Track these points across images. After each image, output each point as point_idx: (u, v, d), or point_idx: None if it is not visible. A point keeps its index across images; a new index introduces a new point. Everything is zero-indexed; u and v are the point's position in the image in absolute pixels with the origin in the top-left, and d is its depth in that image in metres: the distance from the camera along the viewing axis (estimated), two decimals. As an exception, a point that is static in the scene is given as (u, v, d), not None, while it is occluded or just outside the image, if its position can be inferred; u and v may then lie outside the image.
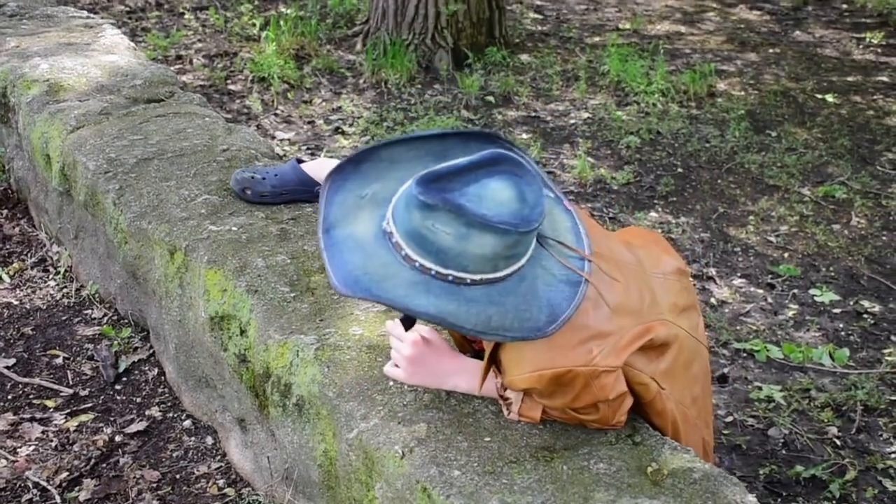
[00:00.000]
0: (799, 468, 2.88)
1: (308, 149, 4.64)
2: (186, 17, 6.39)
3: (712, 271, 3.92)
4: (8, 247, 3.47)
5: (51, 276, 3.30)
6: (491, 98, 5.49)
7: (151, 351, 2.89)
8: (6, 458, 2.51)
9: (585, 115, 5.38)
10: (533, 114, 5.36)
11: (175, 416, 2.69)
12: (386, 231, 1.54)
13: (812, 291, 3.83)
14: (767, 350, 3.43)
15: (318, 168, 2.64)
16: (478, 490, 1.63)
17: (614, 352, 1.64)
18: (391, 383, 1.93)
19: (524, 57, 6.21)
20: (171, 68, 5.37)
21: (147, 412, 2.70)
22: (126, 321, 3.02)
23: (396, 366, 1.84)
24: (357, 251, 1.54)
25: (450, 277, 1.51)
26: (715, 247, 4.11)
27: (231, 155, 2.95)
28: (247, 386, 2.26)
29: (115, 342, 2.93)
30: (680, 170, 4.79)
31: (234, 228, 2.53)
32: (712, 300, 3.73)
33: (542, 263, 1.58)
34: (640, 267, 1.82)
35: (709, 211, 4.41)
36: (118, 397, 2.75)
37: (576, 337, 1.60)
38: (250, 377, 2.23)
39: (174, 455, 2.55)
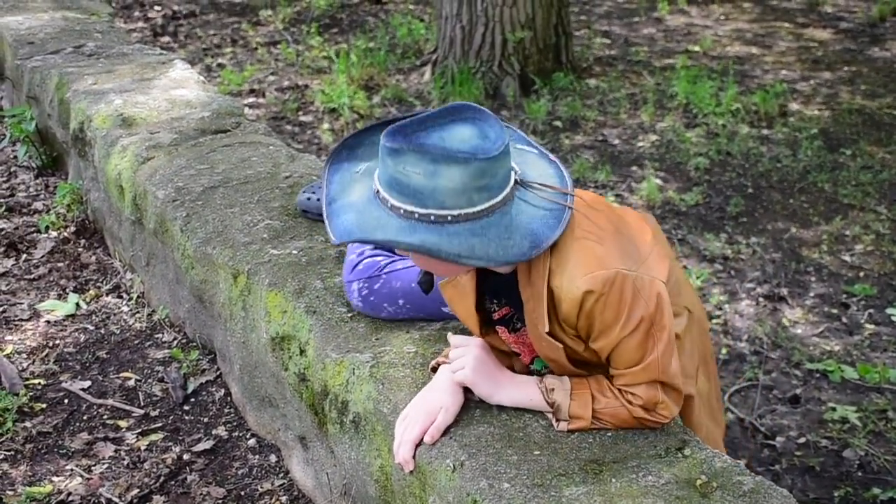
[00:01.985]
0: (876, 490, 2.81)
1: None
2: (259, 51, 6.57)
3: (784, 291, 3.86)
4: (85, 274, 3.60)
5: (124, 302, 3.41)
6: (558, 123, 5.51)
7: (218, 372, 2.97)
8: (81, 476, 2.59)
9: (653, 137, 5.36)
10: (600, 138, 5.37)
11: (240, 434, 2.75)
12: (374, 190, 1.67)
13: (889, 311, 3.74)
14: (842, 370, 3.37)
15: None
16: (527, 502, 1.64)
17: (655, 266, 1.75)
18: (443, 398, 1.95)
19: (591, 81, 6.22)
20: (245, 101, 5.53)
21: (214, 431, 2.76)
22: (194, 344, 3.11)
23: (461, 369, 1.87)
24: (352, 212, 1.68)
25: (431, 217, 1.61)
26: (787, 267, 4.05)
27: (293, 181, 3.03)
28: (306, 404, 2.31)
29: (184, 364, 3.02)
30: (750, 190, 4.74)
31: (294, 252, 2.59)
32: (784, 321, 3.67)
33: (524, 199, 1.69)
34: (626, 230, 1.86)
35: (780, 231, 4.35)
36: (186, 417, 2.83)
37: (616, 251, 1.71)
38: (310, 395, 2.28)
39: (239, 472, 2.61)
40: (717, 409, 2.13)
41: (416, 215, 1.61)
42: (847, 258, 4.12)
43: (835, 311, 3.74)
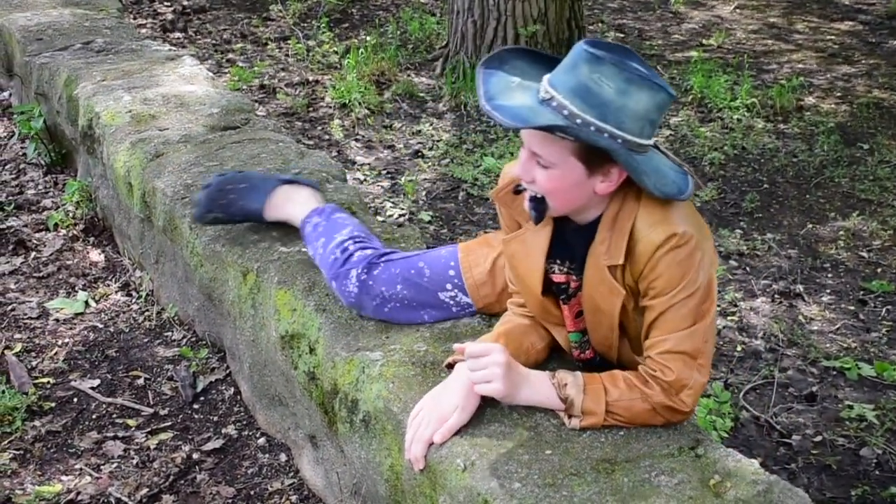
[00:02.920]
0: (894, 489, 2.77)
1: (388, 173, 4.69)
2: (269, 47, 6.54)
3: (800, 288, 3.82)
4: (94, 272, 3.59)
5: (133, 300, 3.40)
6: (571, 118, 5.48)
7: (228, 371, 2.95)
8: (90, 475, 2.58)
9: (668, 132, 5.31)
10: (614, 133, 5.33)
11: (250, 433, 2.73)
12: (544, 98, 1.71)
13: (907, 307, 3.70)
14: (859, 368, 3.32)
15: (285, 204, 2.66)
16: (538, 502, 1.61)
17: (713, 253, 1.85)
18: (453, 398, 1.92)
19: (604, 76, 6.17)
20: (255, 97, 5.50)
21: (223, 430, 2.75)
22: (204, 342, 3.09)
23: (487, 382, 1.83)
24: (524, 109, 1.70)
25: (605, 134, 1.68)
26: (803, 263, 4.00)
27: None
28: (316, 403, 2.29)
29: (194, 363, 3.00)
30: (766, 185, 4.69)
31: (303, 249, 2.57)
32: (800, 317, 3.63)
33: (660, 154, 1.82)
34: None
35: (796, 227, 4.30)
36: (196, 416, 2.81)
37: (695, 223, 1.82)
38: (319, 394, 2.25)
39: (249, 472, 2.59)
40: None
41: (593, 128, 1.67)
42: (864, 254, 4.07)
43: (852, 307, 3.70)
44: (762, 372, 3.31)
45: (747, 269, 3.96)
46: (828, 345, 3.46)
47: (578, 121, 1.66)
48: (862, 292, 3.80)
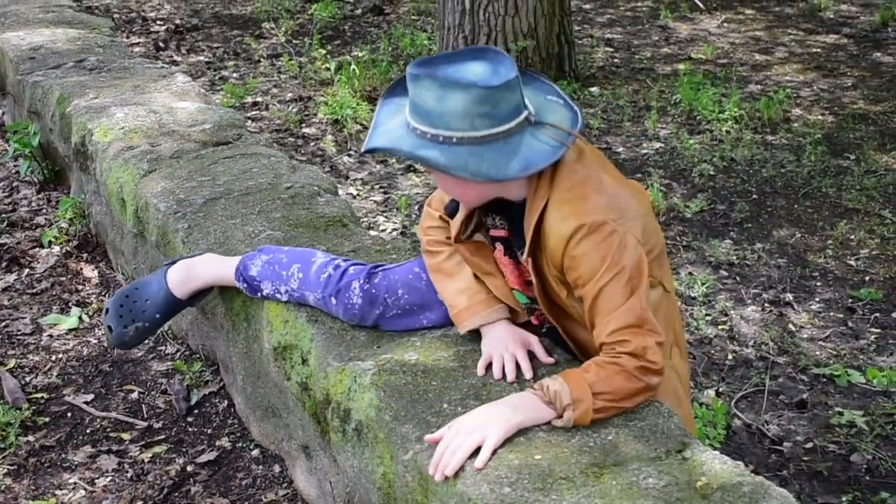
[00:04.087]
0: (884, 494, 2.79)
1: (381, 187, 4.72)
2: (262, 64, 6.58)
3: (789, 297, 3.84)
4: (87, 288, 3.61)
5: (127, 315, 3.41)
6: (561, 132, 5.51)
7: (221, 384, 2.97)
8: (85, 489, 2.59)
9: (657, 144, 5.35)
10: (604, 145, 5.36)
11: (244, 445, 2.74)
12: (406, 120, 1.89)
13: (895, 315, 3.72)
14: (848, 375, 3.34)
15: (188, 275, 2.62)
16: (528, 507, 1.63)
17: (640, 232, 1.92)
18: (445, 405, 1.95)
19: (595, 89, 6.21)
20: (247, 114, 5.53)
21: (217, 442, 2.76)
22: (197, 356, 3.11)
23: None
24: (385, 134, 1.92)
25: (440, 138, 1.83)
26: (792, 272, 4.03)
27: (295, 192, 3.03)
28: (309, 413, 2.30)
29: (187, 376, 3.02)
30: (755, 196, 4.72)
31: (296, 260, 2.58)
32: (790, 326, 3.66)
33: (535, 137, 1.88)
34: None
35: (785, 237, 4.33)
36: (190, 429, 2.82)
37: (613, 204, 1.89)
38: (312, 405, 2.27)
39: (243, 483, 2.60)
40: (687, 389, 2.22)
41: (429, 135, 1.84)
42: (852, 263, 4.10)
43: (841, 315, 3.72)
44: (753, 380, 3.33)
45: (737, 278, 3.99)
46: (818, 352, 3.49)
47: (418, 131, 1.85)
48: (851, 300, 3.82)
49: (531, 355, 2.11)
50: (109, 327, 2.59)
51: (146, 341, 2.64)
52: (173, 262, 2.62)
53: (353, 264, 2.37)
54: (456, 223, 2.10)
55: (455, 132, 1.83)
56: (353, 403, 2.07)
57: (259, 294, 2.47)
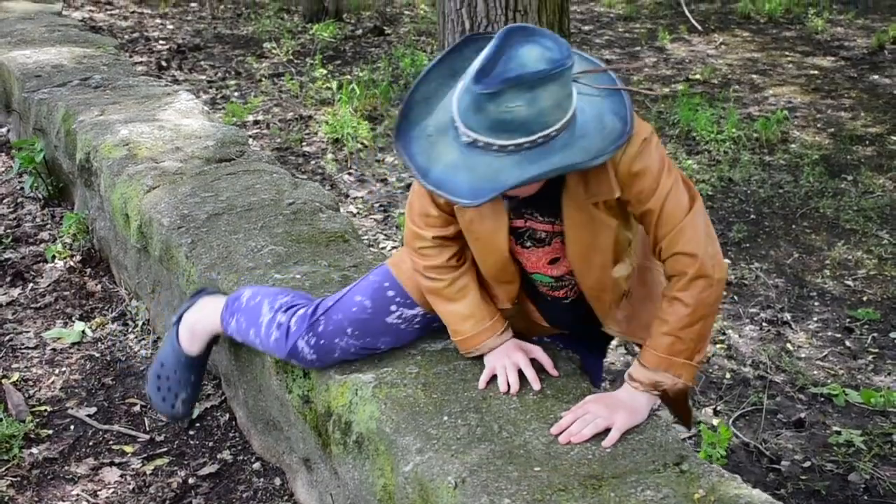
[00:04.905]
0: (881, 513, 2.80)
1: (381, 206, 4.74)
2: (264, 83, 6.63)
3: (787, 316, 3.86)
4: (91, 303, 3.63)
5: (130, 329, 3.44)
6: (560, 152, 5.54)
7: (223, 397, 2.98)
8: (87, 501, 2.60)
9: (656, 165, 5.39)
10: (603, 165, 5.40)
11: (245, 458, 2.76)
12: (468, 142, 1.69)
13: (893, 335, 3.74)
14: (846, 394, 3.36)
15: (197, 326, 2.62)
16: (527, 518, 1.65)
17: None
18: (445, 418, 1.97)
19: (593, 110, 6.25)
20: (249, 133, 5.57)
21: (219, 455, 2.77)
22: (199, 370, 3.13)
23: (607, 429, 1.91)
24: (460, 173, 1.70)
25: (539, 140, 1.67)
26: (790, 292, 4.05)
27: (297, 208, 3.06)
28: (310, 426, 2.32)
29: (190, 390, 3.03)
30: (753, 216, 4.75)
31: (297, 276, 2.62)
32: (788, 345, 3.67)
33: (581, 92, 1.75)
34: None
35: (783, 256, 4.36)
36: (192, 442, 2.84)
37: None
38: (313, 417, 2.29)
39: (244, 496, 2.61)
40: None
41: (526, 144, 1.66)
42: (850, 283, 4.13)
43: (838, 335, 3.74)
44: (751, 398, 3.35)
45: (735, 298, 4.01)
46: (815, 372, 3.50)
47: (510, 147, 1.67)
48: (848, 320, 3.84)
49: (536, 366, 2.12)
50: (159, 408, 2.65)
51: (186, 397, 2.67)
52: (178, 321, 2.63)
53: (292, 313, 2.30)
54: (504, 238, 2.00)
55: (553, 126, 1.68)
56: (354, 416, 2.09)
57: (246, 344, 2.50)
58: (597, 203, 1.88)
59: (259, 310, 2.37)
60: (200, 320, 2.57)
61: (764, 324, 3.82)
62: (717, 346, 3.65)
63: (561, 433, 1.90)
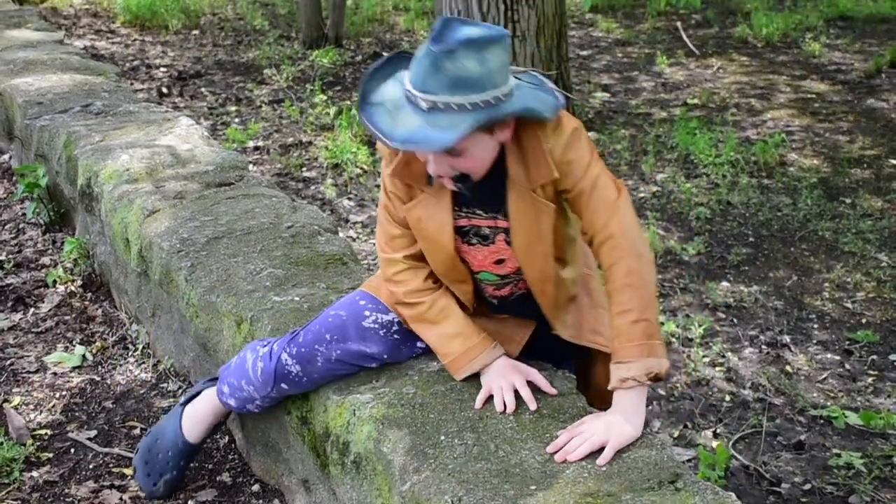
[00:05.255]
0: (881, 535, 2.80)
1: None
2: (264, 109, 6.67)
3: (787, 339, 3.87)
4: (91, 327, 3.65)
5: (130, 353, 3.45)
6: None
7: (222, 420, 2.99)
8: (85, 526, 2.61)
9: (654, 188, 5.41)
10: (601, 189, 5.41)
11: (244, 480, 2.76)
12: (430, 107, 1.85)
13: (892, 357, 3.74)
14: (846, 417, 3.36)
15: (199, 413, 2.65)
16: (524, 537, 1.65)
17: None
18: (442, 437, 1.98)
19: (592, 134, 6.29)
20: (249, 158, 5.60)
21: (218, 478, 2.78)
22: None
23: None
24: (424, 131, 1.85)
25: (491, 101, 1.85)
26: (789, 315, 4.06)
27: (296, 231, 3.08)
28: (309, 447, 2.33)
29: (189, 413, 3.04)
30: (752, 239, 4.77)
31: (296, 299, 2.63)
32: (787, 367, 3.68)
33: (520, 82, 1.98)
34: None
35: (782, 279, 4.37)
36: (191, 464, 2.84)
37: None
38: (312, 438, 2.30)
39: (243, 519, 2.62)
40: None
41: (481, 104, 1.84)
42: (849, 305, 4.13)
43: (838, 357, 3.75)
44: (750, 421, 3.35)
45: (734, 320, 4.02)
46: (815, 394, 3.50)
47: (468, 105, 1.82)
48: (848, 342, 3.85)
49: (532, 387, 2.14)
50: (142, 485, 2.68)
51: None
52: (185, 403, 2.65)
53: (275, 342, 2.38)
54: (449, 236, 2.11)
55: (501, 88, 1.86)
56: (351, 436, 2.10)
57: (246, 409, 2.52)
58: (535, 190, 2.01)
59: (244, 359, 2.43)
60: (203, 406, 2.61)
61: (763, 346, 3.83)
62: (717, 368, 3.65)
63: (557, 451, 1.92)
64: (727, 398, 3.48)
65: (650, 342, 1.97)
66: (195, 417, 2.62)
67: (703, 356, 3.70)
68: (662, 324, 3.89)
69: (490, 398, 2.11)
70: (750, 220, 4.97)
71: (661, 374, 1.97)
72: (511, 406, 2.07)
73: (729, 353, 3.77)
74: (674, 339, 3.80)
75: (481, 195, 2.06)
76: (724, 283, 4.32)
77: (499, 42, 1.84)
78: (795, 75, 7.80)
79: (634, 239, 2.01)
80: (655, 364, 1.96)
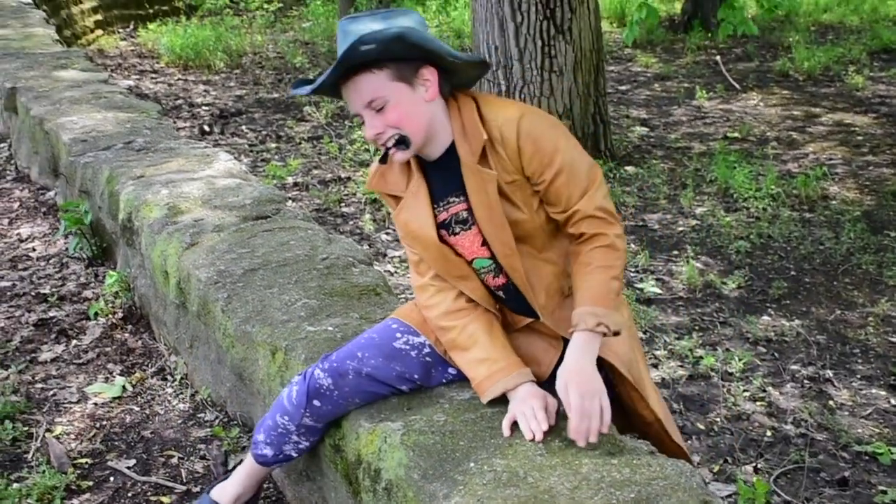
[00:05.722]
0: (928, 573, 2.73)
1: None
2: (303, 146, 6.75)
3: (829, 373, 3.81)
4: (131, 358, 3.70)
5: (168, 384, 3.49)
6: (597, 209, 5.55)
7: (257, 450, 3.00)
8: (122, 554, 2.63)
9: (693, 222, 5.38)
10: (640, 223, 5.40)
11: (278, 510, 2.77)
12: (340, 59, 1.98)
13: (938, 392, 3.67)
14: (891, 453, 3.29)
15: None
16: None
17: None
18: (472, 464, 1.97)
19: (630, 168, 6.29)
20: (288, 194, 5.67)
21: (253, 508, 2.79)
22: (235, 422, 3.16)
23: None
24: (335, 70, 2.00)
25: (393, 37, 1.97)
26: (832, 349, 4.00)
27: (330, 262, 3.11)
28: (341, 475, 2.33)
29: (225, 442, 3.07)
30: (793, 273, 4.72)
31: (329, 328, 2.65)
32: (830, 402, 3.62)
33: None
34: None
35: (825, 313, 4.31)
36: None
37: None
38: (344, 466, 2.31)
39: (277, 548, 2.62)
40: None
41: (382, 34, 1.94)
42: (894, 339, 4.07)
43: (883, 392, 3.68)
44: (792, 456, 3.29)
45: (776, 354, 3.97)
46: (859, 429, 3.44)
47: (373, 42, 1.93)
48: (892, 377, 3.78)
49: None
50: None
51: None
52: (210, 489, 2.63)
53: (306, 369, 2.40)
54: (432, 229, 2.17)
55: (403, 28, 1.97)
56: (383, 463, 2.11)
57: (283, 454, 2.48)
58: (483, 157, 2.07)
59: (278, 398, 2.43)
60: (234, 479, 2.58)
61: (805, 381, 3.77)
62: (757, 403, 3.60)
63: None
64: (768, 433, 3.43)
65: (619, 299, 2.11)
66: (223, 490, 2.58)
67: (744, 390, 3.65)
68: (702, 357, 3.86)
69: (514, 423, 2.12)
70: (791, 254, 4.92)
71: (619, 330, 2.08)
72: (539, 435, 2.06)
73: (770, 388, 3.72)
74: (713, 373, 3.75)
75: (444, 178, 2.15)
76: (765, 317, 4.27)
77: (407, 15, 2.03)
78: (838, 108, 7.74)
79: (613, 213, 2.10)
80: (620, 320, 2.08)
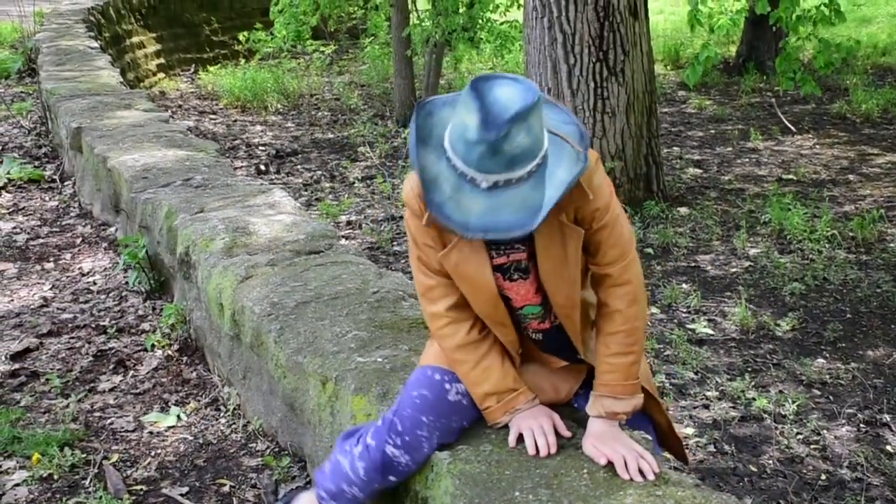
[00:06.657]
0: None
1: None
2: (356, 185, 6.85)
3: (886, 417, 3.75)
4: (186, 389, 3.77)
5: (222, 414, 3.55)
6: (650, 250, 5.55)
7: (308, 478, 3.03)
8: (173, 580, 2.67)
9: (746, 263, 5.34)
10: (692, 264, 5.37)
11: (326, 541, 2.78)
12: (488, 187, 1.86)
13: None
14: (950, 497, 3.22)
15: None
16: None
17: None
18: (517, 493, 1.98)
19: (683, 209, 6.27)
20: (341, 232, 5.74)
21: (302, 537, 2.81)
22: (286, 452, 3.20)
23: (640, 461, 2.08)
24: (498, 213, 1.87)
25: (540, 161, 1.88)
26: (890, 392, 3.93)
27: (381, 296, 3.16)
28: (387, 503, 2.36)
29: (276, 471, 3.11)
30: (849, 315, 4.65)
31: (379, 360, 2.69)
32: (887, 447, 3.55)
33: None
34: None
35: (882, 357, 4.24)
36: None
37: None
38: (391, 494, 2.32)
39: (325, 578, 2.63)
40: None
41: (534, 168, 1.86)
42: (952, 384, 3.99)
43: (941, 437, 3.61)
44: (847, 501, 3.24)
45: (830, 397, 3.92)
46: (919, 475, 3.38)
47: (525, 174, 1.86)
48: (954, 422, 3.71)
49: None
50: None
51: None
52: None
53: (364, 438, 2.30)
54: (489, 278, 2.12)
55: (544, 147, 1.91)
56: (430, 492, 2.13)
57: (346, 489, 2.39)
58: (562, 215, 2.03)
59: (338, 464, 2.35)
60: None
61: (861, 424, 3.71)
62: (811, 446, 3.55)
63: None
64: (822, 476, 3.38)
65: (638, 382, 2.15)
66: None
67: (797, 433, 3.60)
68: (754, 399, 3.82)
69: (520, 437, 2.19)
70: (847, 297, 4.85)
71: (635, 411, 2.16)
72: (553, 449, 2.14)
73: (824, 431, 3.66)
74: (766, 415, 3.71)
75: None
76: (820, 360, 4.22)
77: (538, 105, 1.86)
78: (893, 150, 7.65)
79: (642, 284, 2.13)
80: (637, 402, 2.15)
